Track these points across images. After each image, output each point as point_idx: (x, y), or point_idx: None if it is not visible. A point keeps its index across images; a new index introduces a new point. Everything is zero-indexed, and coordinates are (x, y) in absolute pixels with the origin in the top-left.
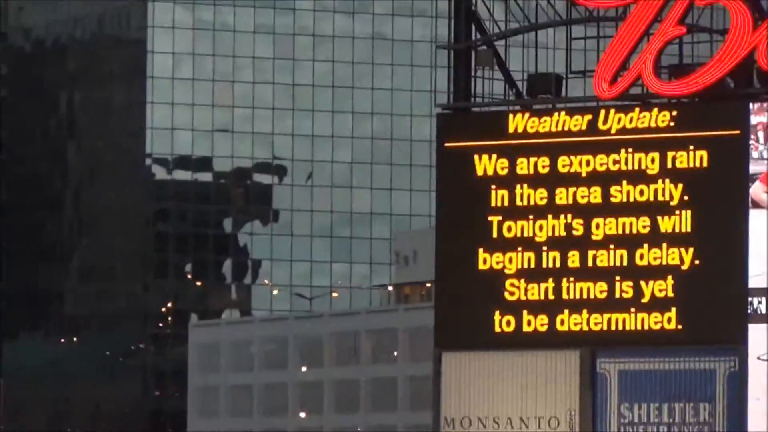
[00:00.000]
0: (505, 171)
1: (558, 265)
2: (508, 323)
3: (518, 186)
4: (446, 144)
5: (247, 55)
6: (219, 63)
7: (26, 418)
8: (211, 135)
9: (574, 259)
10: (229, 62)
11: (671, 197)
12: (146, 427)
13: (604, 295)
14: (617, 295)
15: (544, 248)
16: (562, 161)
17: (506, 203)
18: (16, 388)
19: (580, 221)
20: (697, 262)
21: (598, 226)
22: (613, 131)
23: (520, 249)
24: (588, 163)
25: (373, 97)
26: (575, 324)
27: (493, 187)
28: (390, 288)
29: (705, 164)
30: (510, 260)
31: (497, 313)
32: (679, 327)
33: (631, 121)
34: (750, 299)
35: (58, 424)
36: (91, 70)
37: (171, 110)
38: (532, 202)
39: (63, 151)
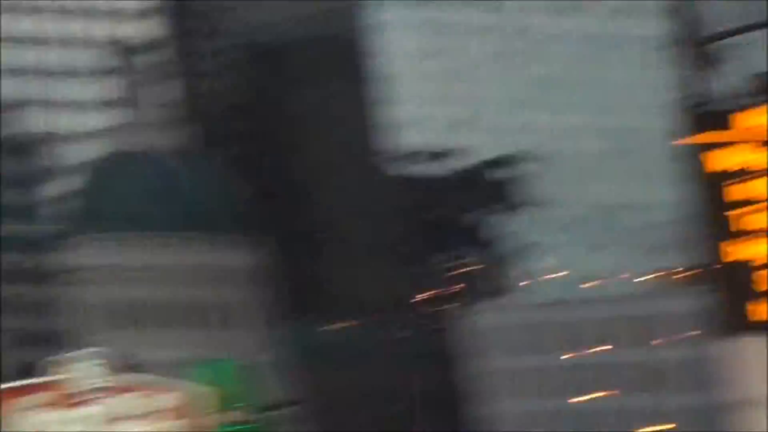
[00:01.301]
0: (744, 166)
1: None
2: None
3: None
4: (686, 140)
5: (480, 52)
6: (450, 60)
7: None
8: (451, 129)
9: None
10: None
11: None
12: (416, 412)
13: None
14: None
15: None
16: None
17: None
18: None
19: None
20: None
21: None
22: None
23: None
24: None
25: (608, 94)
26: None
27: (730, 181)
28: (666, 274)
29: None
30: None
31: None
32: None
33: None
34: None
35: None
36: (319, 69)
37: (409, 107)
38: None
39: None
